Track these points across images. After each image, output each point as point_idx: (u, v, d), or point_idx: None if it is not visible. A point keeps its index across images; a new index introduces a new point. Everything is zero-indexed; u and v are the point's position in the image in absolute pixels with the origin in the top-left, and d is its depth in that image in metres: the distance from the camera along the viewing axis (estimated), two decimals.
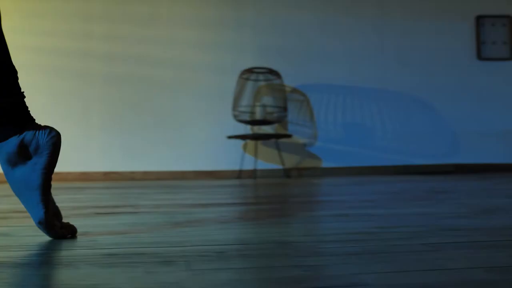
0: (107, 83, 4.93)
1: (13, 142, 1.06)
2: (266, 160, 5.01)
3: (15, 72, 1.11)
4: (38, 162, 1.06)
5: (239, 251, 0.89)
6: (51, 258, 0.84)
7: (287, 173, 4.85)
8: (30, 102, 4.99)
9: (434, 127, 5.24)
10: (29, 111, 1.13)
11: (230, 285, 0.66)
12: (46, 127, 1.11)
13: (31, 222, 1.37)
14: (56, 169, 4.78)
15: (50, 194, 1.08)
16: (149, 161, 4.92)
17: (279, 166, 4.98)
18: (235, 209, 1.69)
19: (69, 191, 2.89)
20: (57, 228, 1.08)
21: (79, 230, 1.20)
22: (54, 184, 4.04)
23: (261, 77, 4.90)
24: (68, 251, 0.91)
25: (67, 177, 4.80)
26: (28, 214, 1.59)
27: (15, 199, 2.31)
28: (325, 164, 5.08)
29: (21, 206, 1.89)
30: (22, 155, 1.06)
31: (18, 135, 1.07)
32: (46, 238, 1.08)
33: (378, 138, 5.16)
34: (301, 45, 5.11)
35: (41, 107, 4.84)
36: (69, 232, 1.11)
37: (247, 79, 4.86)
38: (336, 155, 5.11)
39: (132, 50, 4.96)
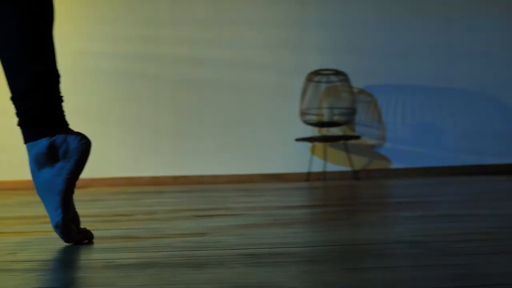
0: (175, 87, 5.02)
1: (43, 143, 1.06)
2: (334, 162, 4.98)
3: (59, 76, 1.12)
4: (64, 167, 1.06)
5: (375, 250, 0.89)
6: (195, 258, 0.86)
7: (356, 175, 4.81)
8: (99, 107, 5.10)
9: (506, 125, 5.09)
10: (64, 115, 1.13)
11: (402, 282, 0.66)
12: (78, 133, 1.11)
13: (143, 224, 1.41)
14: (128, 174, 4.90)
15: (71, 199, 1.08)
16: (217, 165, 4.98)
17: (347, 168, 4.94)
18: (329, 209, 1.69)
19: (152, 195, 2.95)
20: (74, 233, 1.07)
21: (192, 231, 1.22)
22: (134, 189, 4.14)
23: (328, 78, 4.88)
24: (202, 251, 0.93)
25: (139, 181, 4.91)
26: (140, 216, 1.64)
27: (102, 203, 2.38)
28: (394, 165, 5.00)
29: (121, 209, 1.94)
30: (51, 157, 1.07)
31: (49, 137, 1.07)
32: (173, 238, 1.11)
33: (448, 137, 5.05)
34: (368, 45, 5.06)
35: (110, 112, 4.98)
36: (86, 238, 1.10)
37: (314, 81, 4.84)
38: (405, 155, 5.02)
39: (199, 53, 5.03)
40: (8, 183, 4.86)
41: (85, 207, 2.14)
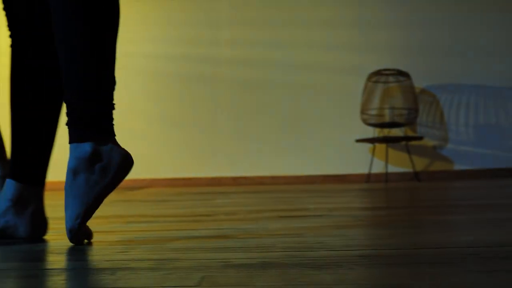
0: (234, 89, 5.05)
1: (87, 147, 1.05)
2: (394, 163, 4.91)
3: (114, 83, 1.13)
4: (100, 182, 1.04)
5: (487, 253, 0.87)
6: (311, 259, 0.86)
7: (417, 176, 4.72)
8: (159, 108, 5.16)
9: None
10: (113, 124, 1.12)
11: None
12: (124, 150, 1.09)
13: (230, 224, 1.41)
14: (187, 175, 4.96)
15: (94, 211, 1.07)
16: (277, 166, 4.98)
17: (407, 169, 4.86)
18: (412, 211, 1.66)
19: (220, 196, 2.98)
20: (81, 234, 1.07)
21: (286, 232, 1.22)
22: (196, 189, 4.18)
23: (389, 78, 4.82)
24: (312, 252, 0.93)
25: (198, 182, 4.97)
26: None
27: (175, 203, 2.41)
28: (457, 166, 4.89)
29: (199, 209, 1.96)
30: (91, 164, 1.04)
31: (95, 142, 1.06)
32: (272, 239, 1.11)
33: None
34: (429, 44, 4.96)
35: (169, 113, 5.05)
36: (86, 237, 1.10)
37: (376, 81, 4.79)
38: (468, 157, 4.90)
39: (258, 54, 5.04)
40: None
41: (159, 207, 2.17)
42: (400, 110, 4.71)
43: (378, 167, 4.90)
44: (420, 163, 4.89)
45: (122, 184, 4.92)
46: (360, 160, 4.92)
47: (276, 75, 5.03)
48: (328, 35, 5.02)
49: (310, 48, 5.03)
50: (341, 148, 4.93)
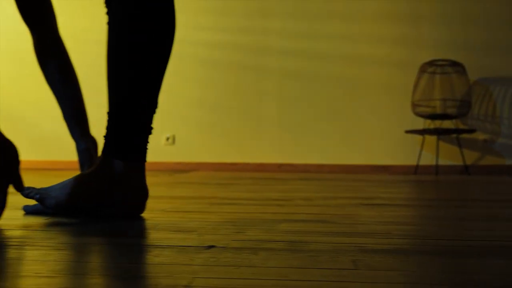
0: (283, 78, 5.01)
1: (111, 164, 1.10)
2: (444, 156, 4.82)
3: (156, 107, 1.16)
4: (101, 199, 1.11)
5: None
6: (456, 248, 0.82)
7: (467, 169, 4.63)
8: (207, 95, 5.16)
9: None
10: (146, 149, 1.14)
11: None
12: (143, 187, 1.13)
13: (319, 210, 1.38)
14: (233, 160, 4.95)
15: None
16: (322, 154, 4.94)
17: (456, 163, 4.77)
18: (482, 204, 1.61)
19: (275, 182, 2.95)
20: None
21: (388, 219, 1.19)
22: (243, 174, 4.16)
23: (443, 69, 4.71)
24: (448, 241, 0.89)
25: (244, 167, 4.95)
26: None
27: (239, 187, 2.40)
28: (508, 161, 4.78)
29: (271, 194, 1.94)
30: (105, 180, 1.10)
31: (122, 162, 1.10)
32: (383, 226, 1.07)
33: None
34: (483, 37, 4.84)
35: (217, 100, 5.03)
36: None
37: (428, 72, 4.69)
38: None
39: (310, 45, 4.99)
40: None
41: (227, 190, 2.16)
42: (452, 102, 4.62)
43: (425, 159, 4.82)
44: (471, 157, 4.79)
45: (169, 166, 4.94)
46: (407, 152, 4.84)
47: (326, 66, 4.97)
48: (381, 27, 4.94)
49: (362, 40, 4.95)
50: (388, 138, 4.86)
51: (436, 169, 4.49)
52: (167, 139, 5.07)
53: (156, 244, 0.80)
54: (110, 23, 1.16)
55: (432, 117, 4.53)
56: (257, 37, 5.04)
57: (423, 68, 4.67)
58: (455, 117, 4.53)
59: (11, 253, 0.72)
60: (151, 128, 1.16)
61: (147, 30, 1.13)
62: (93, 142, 1.64)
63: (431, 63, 4.65)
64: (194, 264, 0.65)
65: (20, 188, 1.03)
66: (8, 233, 0.91)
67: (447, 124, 4.78)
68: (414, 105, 4.63)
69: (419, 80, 4.66)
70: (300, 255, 0.73)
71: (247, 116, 5.02)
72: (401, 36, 4.91)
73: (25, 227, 0.99)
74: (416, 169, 4.67)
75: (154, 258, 0.69)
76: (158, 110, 5.08)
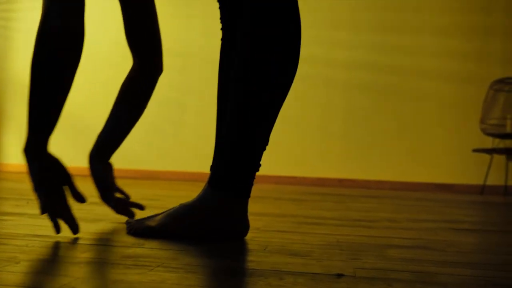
0: (348, 91, 4.97)
1: (213, 197, 1.12)
2: (509, 176, 4.67)
3: (266, 144, 1.15)
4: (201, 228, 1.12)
5: None
6: None
7: None
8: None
9: None
10: (251, 185, 1.15)
11: None
12: (247, 222, 1.15)
13: (432, 234, 1.36)
14: (293, 174, 4.93)
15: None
16: (384, 170, 4.87)
17: None
18: None
19: (345, 199, 2.92)
20: None
21: (491, 247, 1.15)
22: (304, 189, 4.14)
23: None
24: None
25: (303, 182, 4.93)
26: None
27: (315, 204, 2.38)
28: None
29: (350, 214, 1.92)
30: (207, 211, 1.12)
31: (226, 196, 1.12)
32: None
33: None
34: None
35: (281, 112, 5.04)
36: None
37: (499, 89, 4.57)
38: None
39: (379, 59, 4.94)
40: (177, 174, 5.09)
41: (301, 207, 2.15)
42: None
43: (491, 179, 4.68)
44: None
45: None
46: (472, 171, 4.72)
47: (395, 79, 4.91)
48: (452, 41, 4.84)
49: (432, 54, 4.87)
50: (454, 156, 4.75)
51: (505, 190, 4.35)
52: None
53: (282, 269, 0.80)
54: (239, 56, 1.11)
55: (502, 136, 4.40)
56: (325, 49, 5.02)
57: (493, 85, 4.55)
58: None
59: (150, 275, 0.73)
60: (259, 165, 1.15)
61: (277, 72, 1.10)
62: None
63: (501, 81, 4.53)
64: None
65: (80, 199, 1.10)
66: (125, 251, 0.93)
67: None
68: (483, 123, 4.51)
69: (488, 97, 4.54)
70: (421, 285, 0.72)
71: (311, 129, 5.00)
72: (472, 51, 4.80)
73: (139, 245, 1.00)
74: (483, 189, 4.55)
75: (294, 286, 0.69)
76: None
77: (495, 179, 4.68)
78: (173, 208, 1.17)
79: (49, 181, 1.06)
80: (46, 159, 1.07)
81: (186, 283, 0.68)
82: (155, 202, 2.08)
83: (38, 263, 0.77)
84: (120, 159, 5.24)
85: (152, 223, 1.15)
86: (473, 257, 1.01)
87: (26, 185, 2.93)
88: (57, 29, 1.05)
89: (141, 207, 1.38)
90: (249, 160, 1.12)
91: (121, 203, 1.35)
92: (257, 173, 4.94)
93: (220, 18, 1.26)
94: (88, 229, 1.20)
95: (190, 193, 2.83)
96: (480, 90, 4.72)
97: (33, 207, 1.66)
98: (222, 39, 1.26)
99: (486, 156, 4.72)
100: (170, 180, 4.90)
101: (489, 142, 4.71)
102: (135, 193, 2.66)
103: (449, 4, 4.87)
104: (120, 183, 3.82)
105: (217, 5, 5.18)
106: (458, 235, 1.38)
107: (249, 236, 1.18)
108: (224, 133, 1.13)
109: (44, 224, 1.25)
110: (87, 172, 5.28)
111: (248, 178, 1.13)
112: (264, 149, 1.15)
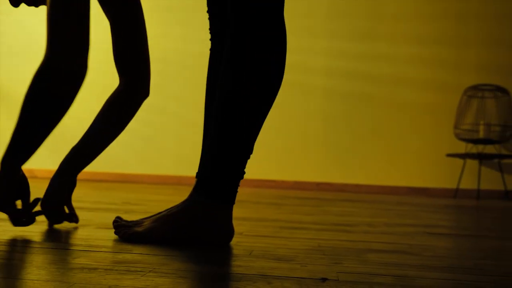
0: (326, 97, 5.04)
1: (198, 204, 1.15)
2: (484, 180, 4.78)
3: (251, 152, 1.18)
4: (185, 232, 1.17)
5: None
6: None
7: (508, 195, 4.58)
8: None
9: None
10: (236, 192, 1.18)
11: None
12: (231, 228, 1.18)
13: (387, 238, 1.41)
14: (272, 177, 4.98)
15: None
16: (361, 174, 4.94)
17: (497, 188, 4.73)
18: None
19: (322, 203, 2.97)
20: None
21: (474, 253, 1.20)
22: (282, 192, 4.19)
23: (486, 94, 4.70)
24: None
25: (282, 185, 4.98)
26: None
27: (292, 208, 2.42)
28: None
29: (328, 218, 1.96)
30: (195, 218, 1.15)
31: (212, 202, 1.15)
32: None
33: None
34: None
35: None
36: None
37: (472, 96, 4.68)
38: None
39: (352, 65, 5.01)
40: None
41: (279, 211, 2.19)
42: (495, 127, 4.59)
43: (465, 183, 4.79)
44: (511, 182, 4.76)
45: None
46: (446, 175, 4.82)
47: (370, 86, 4.99)
48: (427, 49, 4.95)
49: (407, 61, 4.96)
50: (428, 161, 4.85)
51: (478, 194, 4.46)
52: None
53: (269, 274, 0.84)
54: (227, 63, 1.14)
55: (475, 141, 4.51)
56: (304, 56, 5.08)
57: (467, 92, 4.66)
58: (498, 142, 4.51)
59: (143, 280, 0.76)
60: (244, 172, 1.19)
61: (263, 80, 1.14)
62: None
63: (475, 87, 4.64)
64: None
65: (29, 218, 1.23)
66: (116, 256, 0.96)
67: (489, 149, 4.76)
68: (456, 129, 4.61)
69: (462, 103, 4.65)
70: None
71: (290, 133, 5.05)
72: (446, 59, 4.91)
73: (128, 250, 1.03)
74: (456, 193, 4.65)
75: None
76: (200, 127, 5.15)
77: (468, 183, 4.79)
78: (160, 213, 1.20)
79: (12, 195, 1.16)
80: (17, 175, 1.16)
81: None
82: (139, 207, 2.11)
83: (33, 269, 0.80)
84: (102, 163, 5.23)
85: (139, 228, 1.18)
86: (448, 261, 1.06)
87: None
88: (60, 68, 1.08)
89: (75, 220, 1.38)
90: (234, 168, 1.15)
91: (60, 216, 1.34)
92: None
93: (209, 29, 1.29)
94: (77, 235, 1.22)
95: (172, 197, 2.85)
96: (453, 97, 4.83)
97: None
98: (210, 49, 1.29)
99: (460, 161, 4.82)
100: (149, 183, 4.91)
101: (463, 147, 4.82)
102: (118, 197, 2.68)
103: (425, 13, 4.98)
104: (101, 186, 3.82)
105: (195, 12, 5.21)
106: (434, 239, 1.44)
107: (233, 241, 1.21)
108: (209, 141, 1.17)
109: (30, 230, 1.26)
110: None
111: (233, 185, 1.16)
112: (249, 157, 1.18)
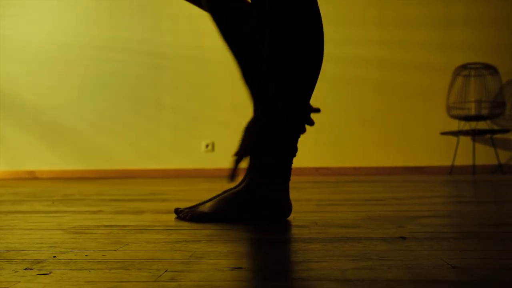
0: (319, 83, 5.15)
1: (256, 182, 1.25)
2: (478, 156, 4.94)
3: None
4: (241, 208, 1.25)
5: None
6: None
7: (501, 169, 4.75)
8: (244, 101, 5.28)
9: None
10: (291, 169, 1.27)
11: None
12: (289, 203, 1.27)
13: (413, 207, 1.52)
14: None
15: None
16: (359, 157, 5.07)
17: (490, 162, 4.89)
18: None
19: (334, 185, 3.08)
20: None
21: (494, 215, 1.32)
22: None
23: (476, 72, 4.85)
24: None
25: None
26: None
27: (313, 190, 2.53)
28: None
29: (354, 195, 2.07)
30: (252, 195, 1.25)
31: (269, 181, 1.24)
32: None
33: None
34: None
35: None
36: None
37: (462, 74, 4.82)
38: None
39: (342, 50, 5.12)
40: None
41: (305, 193, 2.29)
42: (486, 103, 4.74)
43: (460, 160, 4.94)
44: (505, 157, 4.92)
45: (210, 173, 5.09)
46: (441, 153, 4.97)
47: (361, 70, 5.11)
48: (415, 32, 5.07)
49: (395, 44, 5.09)
50: (423, 140, 4.99)
51: (473, 169, 4.62)
52: (207, 146, 5.22)
53: (352, 236, 0.94)
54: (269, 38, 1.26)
55: (467, 118, 4.66)
56: None
57: (457, 71, 4.80)
58: (489, 118, 4.67)
59: (213, 245, 0.86)
60: (296, 149, 1.30)
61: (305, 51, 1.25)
62: None
63: (464, 66, 4.79)
64: (423, 250, 0.79)
65: None
66: (202, 231, 1.05)
67: (481, 125, 4.91)
68: (449, 108, 4.76)
69: (453, 83, 4.79)
70: (477, 240, 0.87)
71: None
72: (434, 40, 5.05)
73: (206, 227, 1.13)
74: (452, 170, 4.80)
75: (375, 246, 0.83)
76: (196, 118, 5.23)
77: (462, 159, 4.94)
78: (221, 194, 1.29)
79: None
80: None
81: (235, 250, 0.81)
82: (171, 196, 2.19)
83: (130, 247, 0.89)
84: (103, 161, 5.28)
85: (204, 209, 1.27)
86: (493, 220, 1.18)
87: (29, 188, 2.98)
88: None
89: None
90: (286, 148, 1.26)
91: None
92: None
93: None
94: (147, 219, 1.31)
95: (190, 187, 2.94)
96: (444, 77, 4.97)
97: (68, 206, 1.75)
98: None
99: (453, 138, 4.97)
100: (149, 178, 4.98)
101: (455, 125, 4.97)
102: (140, 190, 2.76)
103: None
104: (110, 182, 3.89)
105: (188, 5, 5.27)
106: (463, 206, 1.55)
107: (290, 217, 1.32)
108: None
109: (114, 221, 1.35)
110: (72, 175, 5.30)
111: (286, 164, 1.27)
112: (299, 135, 1.29)
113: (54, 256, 0.78)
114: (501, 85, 4.76)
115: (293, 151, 1.28)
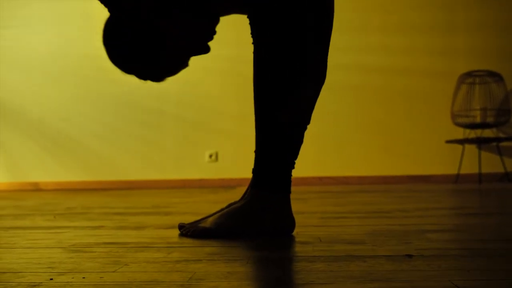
0: (322, 91, 5.12)
1: (258, 195, 1.25)
2: (485, 164, 4.90)
3: (301, 142, 1.34)
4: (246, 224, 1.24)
5: None
6: None
7: (508, 177, 4.71)
8: (248, 111, 5.16)
9: None
10: (290, 181, 1.29)
11: None
12: (291, 217, 1.26)
13: (425, 220, 1.49)
14: None
15: None
16: (363, 166, 5.04)
17: (496, 170, 4.86)
18: None
19: (339, 195, 3.06)
20: None
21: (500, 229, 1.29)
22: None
23: (481, 79, 4.82)
24: None
25: None
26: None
27: (318, 201, 2.51)
28: None
29: (338, 208, 2.05)
30: (254, 210, 1.24)
31: (269, 192, 1.24)
32: None
33: None
34: None
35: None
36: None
37: (467, 82, 4.79)
38: None
39: (346, 57, 5.11)
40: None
41: (311, 204, 2.27)
42: (491, 111, 4.71)
43: (465, 168, 4.91)
44: (511, 164, 4.88)
45: (214, 183, 5.08)
46: (447, 161, 4.94)
47: (366, 77, 5.08)
48: (419, 38, 5.05)
49: (400, 51, 5.07)
50: (428, 149, 4.96)
51: (479, 177, 4.58)
52: (210, 156, 5.20)
53: (355, 254, 0.92)
54: (258, 59, 1.27)
55: (473, 126, 4.63)
56: None
57: (461, 79, 4.77)
58: (495, 126, 4.63)
59: (214, 265, 0.84)
60: (294, 162, 1.29)
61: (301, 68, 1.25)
62: None
63: (468, 74, 4.76)
64: (431, 270, 0.77)
65: None
66: (203, 249, 1.03)
67: (486, 133, 4.88)
68: (454, 115, 4.73)
69: (457, 90, 4.76)
70: (486, 258, 0.84)
71: None
72: (439, 47, 5.02)
73: (208, 245, 1.11)
74: (457, 178, 4.76)
75: (380, 266, 0.81)
76: (200, 128, 5.22)
77: (468, 167, 4.90)
78: (221, 210, 1.28)
79: None
80: None
81: (238, 270, 0.79)
82: (175, 209, 2.17)
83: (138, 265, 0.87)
84: (107, 172, 5.28)
85: (207, 224, 1.25)
86: (496, 235, 1.15)
87: (28, 201, 2.97)
88: None
89: None
90: (286, 160, 1.26)
91: None
92: (240, 176, 5.05)
93: (251, 33, 1.37)
94: (148, 235, 1.29)
95: (195, 199, 2.92)
96: (448, 84, 4.93)
97: (64, 220, 1.73)
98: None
99: (459, 146, 4.94)
100: (153, 188, 4.96)
101: (461, 133, 4.94)
102: (143, 202, 2.74)
103: (413, 2, 5.09)
104: (113, 194, 3.88)
105: None
106: (467, 219, 1.53)
107: (294, 232, 1.29)
108: (260, 138, 1.26)
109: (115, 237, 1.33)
110: (76, 186, 5.29)
111: (286, 175, 1.26)
112: (300, 146, 1.29)
113: (51, 279, 0.76)
114: (507, 93, 4.73)
115: (293, 164, 1.28)
